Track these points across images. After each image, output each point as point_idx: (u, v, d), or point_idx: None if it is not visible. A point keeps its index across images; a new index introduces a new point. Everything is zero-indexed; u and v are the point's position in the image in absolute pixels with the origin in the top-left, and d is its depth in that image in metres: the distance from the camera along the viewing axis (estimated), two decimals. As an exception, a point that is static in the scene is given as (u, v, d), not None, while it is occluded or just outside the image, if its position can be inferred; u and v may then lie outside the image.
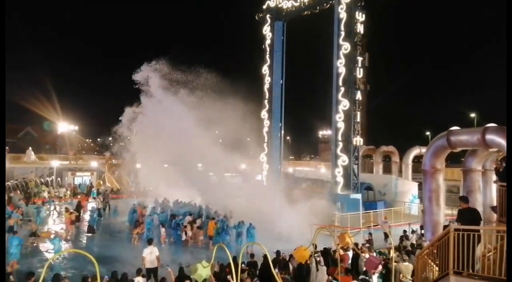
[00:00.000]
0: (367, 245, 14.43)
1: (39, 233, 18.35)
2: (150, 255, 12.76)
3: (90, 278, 10.41)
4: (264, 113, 32.95)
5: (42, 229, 19.68)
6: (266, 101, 32.80)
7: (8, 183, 33.36)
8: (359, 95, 26.01)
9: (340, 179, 25.82)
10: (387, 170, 39.74)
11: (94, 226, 20.48)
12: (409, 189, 28.80)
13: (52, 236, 16.87)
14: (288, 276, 11.29)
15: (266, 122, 32.77)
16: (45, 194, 30.93)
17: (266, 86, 32.74)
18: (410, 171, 35.14)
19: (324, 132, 73.84)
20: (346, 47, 25.92)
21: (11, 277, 11.22)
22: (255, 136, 32.63)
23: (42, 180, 37.02)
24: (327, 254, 13.45)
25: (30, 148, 38.83)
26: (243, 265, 11.28)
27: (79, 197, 29.65)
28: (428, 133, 61.59)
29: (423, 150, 29.93)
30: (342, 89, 25.95)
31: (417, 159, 36.32)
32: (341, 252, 13.26)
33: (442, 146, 16.70)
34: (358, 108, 26.08)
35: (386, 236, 15.84)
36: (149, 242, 13.64)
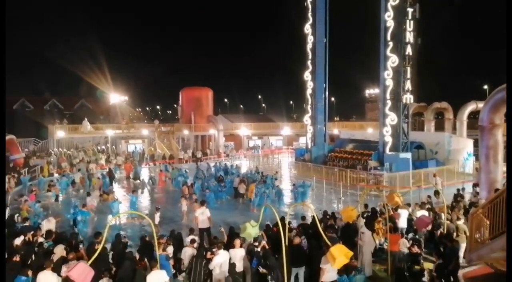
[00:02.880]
0: (428, 206, 14.05)
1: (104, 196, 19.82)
2: (202, 215, 13.38)
3: (148, 237, 11.18)
4: (307, 75, 32.10)
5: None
6: (309, 62, 31.82)
7: (68, 152, 36.13)
8: (409, 50, 24.43)
9: (388, 139, 25.03)
10: (439, 127, 37.93)
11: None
12: (463, 146, 27.35)
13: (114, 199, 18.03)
14: (335, 235, 11.38)
15: (310, 84, 31.96)
16: (103, 161, 33.00)
17: (309, 46, 31.62)
18: (465, 128, 33.27)
19: (371, 91, 71.09)
20: (394, -3, 24.19)
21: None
22: (299, 98, 32.20)
23: (99, 148, 39.54)
24: (374, 214, 13.38)
25: (86, 119, 41.16)
26: (290, 225, 11.53)
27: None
28: (485, 87, 57.43)
29: (480, 105, 28.04)
30: (391, 44, 24.51)
31: (473, 115, 34.19)
32: (391, 211, 13.08)
33: (502, 100, 15.54)
34: (408, 63, 24.59)
35: (436, 193, 15.30)
36: (202, 203, 14.30)
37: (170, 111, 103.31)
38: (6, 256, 9.35)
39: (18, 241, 10.60)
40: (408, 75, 24.64)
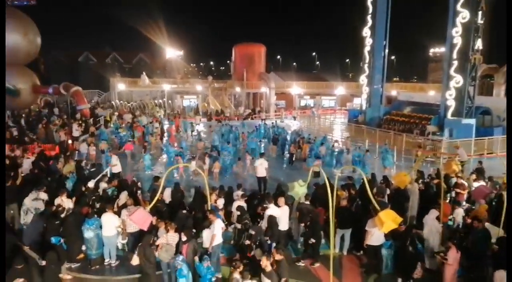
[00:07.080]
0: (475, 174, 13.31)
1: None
2: (261, 166, 14.84)
3: (202, 189, 11.73)
4: (366, 31, 30.25)
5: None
6: (369, 17, 29.83)
7: (128, 104, 38.08)
8: (482, 3, 22.02)
9: (451, 102, 23.43)
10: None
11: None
12: (537, 113, 24.95)
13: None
14: (385, 200, 11.23)
15: (368, 41, 30.20)
16: (160, 114, 34.54)
17: (370, -2, 29.55)
18: (542, 93, 30.17)
19: (436, 50, 66.07)
20: None
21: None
22: (355, 56, 30.71)
23: (156, 102, 41.26)
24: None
25: (144, 73, 42.63)
26: (339, 187, 11.52)
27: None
28: None
29: (563, 68, 25.06)
30: (463, -4, 22.24)
31: (553, 79, 30.78)
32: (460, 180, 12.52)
33: None
34: (481, 19, 22.29)
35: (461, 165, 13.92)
36: (261, 155, 15.99)
37: (223, 68, 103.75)
38: (74, 200, 10.39)
39: (91, 184, 11.67)
40: (480, 33, 22.42)
